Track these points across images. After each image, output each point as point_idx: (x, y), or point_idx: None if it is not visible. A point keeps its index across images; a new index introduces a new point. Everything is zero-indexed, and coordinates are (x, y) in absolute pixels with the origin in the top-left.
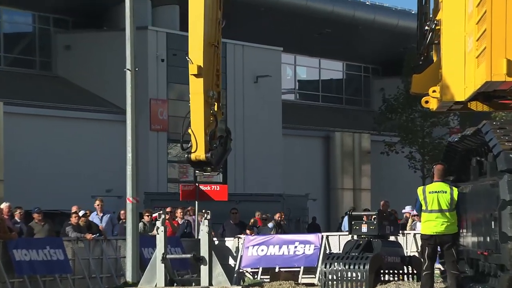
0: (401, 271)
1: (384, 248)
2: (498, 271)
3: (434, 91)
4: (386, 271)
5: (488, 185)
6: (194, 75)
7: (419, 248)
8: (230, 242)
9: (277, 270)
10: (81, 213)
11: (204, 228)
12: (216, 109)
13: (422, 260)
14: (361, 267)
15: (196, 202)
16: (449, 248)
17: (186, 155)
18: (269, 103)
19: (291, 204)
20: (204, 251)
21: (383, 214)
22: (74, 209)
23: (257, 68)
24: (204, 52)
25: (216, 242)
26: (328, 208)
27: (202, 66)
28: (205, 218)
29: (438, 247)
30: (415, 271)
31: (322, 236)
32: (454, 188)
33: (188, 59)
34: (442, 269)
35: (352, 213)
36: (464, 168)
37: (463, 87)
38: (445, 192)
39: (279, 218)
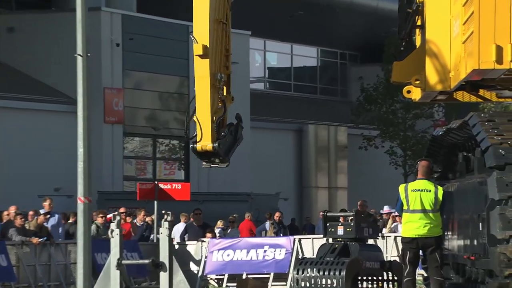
0: (380, 278)
1: (362, 253)
2: (487, 277)
3: (417, 80)
4: (364, 278)
5: (475, 183)
6: (199, 56)
7: (400, 252)
8: (192, 246)
9: (244, 276)
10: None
11: (164, 231)
12: (225, 93)
13: (403, 265)
14: (337, 273)
15: (155, 202)
16: (432, 252)
17: (191, 145)
18: (236, 93)
19: (260, 204)
20: (163, 256)
21: (361, 215)
22: (12, 209)
23: None
24: (210, 29)
25: (177, 246)
26: (300, 209)
27: (208, 45)
28: (165, 220)
29: (421, 251)
30: (395, 278)
31: (294, 239)
32: (438, 186)
33: (192, 38)
34: (425, 275)
35: (327, 214)
36: (449, 164)
37: (449, 75)
38: (429, 190)
39: (278, 218)
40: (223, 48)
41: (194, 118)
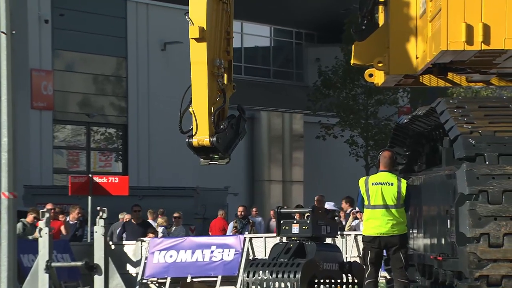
0: (339, 280)
1: (319, 253)
2: (455, 279)
3: (379, 62)
4: (322, 281)
5: (443, 176)
6: (195, 39)
7: (361, 252)
8: (131, 247)
9: (189, 280)
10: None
11: (98, 230)
12: (225, 81)
13: (364, 266)
14: (292, 275)
15: (89, 197)
16: (396, 251)
17: (187, 140)
18: (181, 76)
19: (207, 200)
20: (98, 258)
21: (319, 211)
22: None
23: (165, 32)
24: (208, 9)
25: (114, 247)
26: (252, 204)
27: (205, 28)
28: (101, 217)
29: (384, 250)
30: (356, 280)
31: (245, 238)
32: (402, 179)
33: (187, 19)
34: (388, 277)
35: (281, 210)
36: (415, 155)
37: (415, 57)
38: (391, 184)
39: (241, 213)
40: (223, 30)
41: (190, 109)
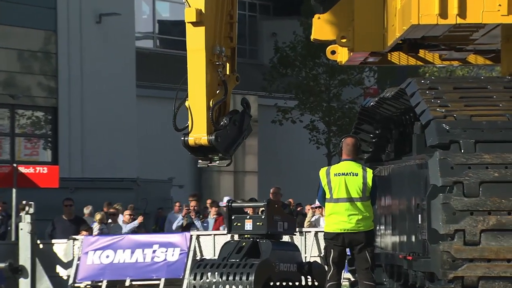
0: (297, 283)
1: (275, 252)
2: (427, 281)
3: (343, 38)
4: (278, 283)
5: (414, 166)
6: (192, 23)
7: (322, 251)
8: (61, 246)
9: (128, 283)
10: None
11: (24, 227)
12: (227, 72)
13: (325, 267)
14: (244, 278)
15: (14, 190)
16: (361, 250)
17: (182, 138)
18: (118, 52)
19: (148, 193)
20: (24, 259)
21: (275, 205)
22: None
23: (101, 2)
24: None
25: (42, 246)
26: (199, 198)
27: (203, 10)
28: (27, 213)
29: (348, 249)
30: (316, 283)
31: (191, 236)
32: (367, 169)
33: (184, 1)
34: (353, 279)
35: (232, 204)
36: (382, 142)
37: (382, 32)
38: (356, 174)
39: (193, 207)
40: (225, 13)
41: (186, 103)
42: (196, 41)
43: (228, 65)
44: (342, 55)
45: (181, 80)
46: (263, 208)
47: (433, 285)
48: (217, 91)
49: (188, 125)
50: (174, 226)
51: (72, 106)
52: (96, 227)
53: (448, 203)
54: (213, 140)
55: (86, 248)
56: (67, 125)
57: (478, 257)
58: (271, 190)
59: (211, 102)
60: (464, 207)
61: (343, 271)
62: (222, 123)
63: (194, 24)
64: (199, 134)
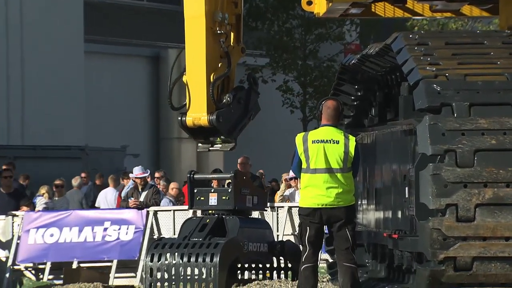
0: (268, 265)
1: (243, 230)
2: (414, 263)
3: None
4: (246, 265)
5: (400, 132)
6: None
7: (297, 229)
8: None
9: (75, 265)
10: None
11: None
12: (231, 42)
13: (300, 247)
14: (208, 259)
15: None
16: (341, 228)
17: (179, 118)
18: (63, 4)
19: (98, 163)
20: None
21: (243, 177)
22: None
23: None
24: None
25: None
26: (157, 169)
27: None
28: None
29: (325, 227)
30: (289, 264)
31: (148, 212)
32: (350, 136)
33: None
34: (331, 260)
35: (195, 175)
36: (365, 106)
37: None
38: (337, 142)
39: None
40: None
41: (184, 78)
42: (194, 6)
43: (232, 34)
44: (319, 6)
45: (179, 52)
46: (230, 180)
47: (422, 267)
48: (219, 64)
49: (186, 103)
50: (123, 193)
51: (11, 66)
52: (40, 201)
53: (439, 174)
54: (214, 121)
55: (27, 226)
56: (4, 88)
57: (472, 235)
58: (239, 160)
59: (212, 77)
60: (456, 179)
61: (320, 251)
62: (224, 100)
63: None
64: (198, 113)
